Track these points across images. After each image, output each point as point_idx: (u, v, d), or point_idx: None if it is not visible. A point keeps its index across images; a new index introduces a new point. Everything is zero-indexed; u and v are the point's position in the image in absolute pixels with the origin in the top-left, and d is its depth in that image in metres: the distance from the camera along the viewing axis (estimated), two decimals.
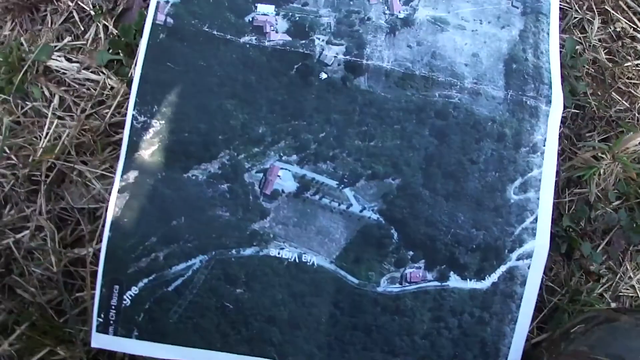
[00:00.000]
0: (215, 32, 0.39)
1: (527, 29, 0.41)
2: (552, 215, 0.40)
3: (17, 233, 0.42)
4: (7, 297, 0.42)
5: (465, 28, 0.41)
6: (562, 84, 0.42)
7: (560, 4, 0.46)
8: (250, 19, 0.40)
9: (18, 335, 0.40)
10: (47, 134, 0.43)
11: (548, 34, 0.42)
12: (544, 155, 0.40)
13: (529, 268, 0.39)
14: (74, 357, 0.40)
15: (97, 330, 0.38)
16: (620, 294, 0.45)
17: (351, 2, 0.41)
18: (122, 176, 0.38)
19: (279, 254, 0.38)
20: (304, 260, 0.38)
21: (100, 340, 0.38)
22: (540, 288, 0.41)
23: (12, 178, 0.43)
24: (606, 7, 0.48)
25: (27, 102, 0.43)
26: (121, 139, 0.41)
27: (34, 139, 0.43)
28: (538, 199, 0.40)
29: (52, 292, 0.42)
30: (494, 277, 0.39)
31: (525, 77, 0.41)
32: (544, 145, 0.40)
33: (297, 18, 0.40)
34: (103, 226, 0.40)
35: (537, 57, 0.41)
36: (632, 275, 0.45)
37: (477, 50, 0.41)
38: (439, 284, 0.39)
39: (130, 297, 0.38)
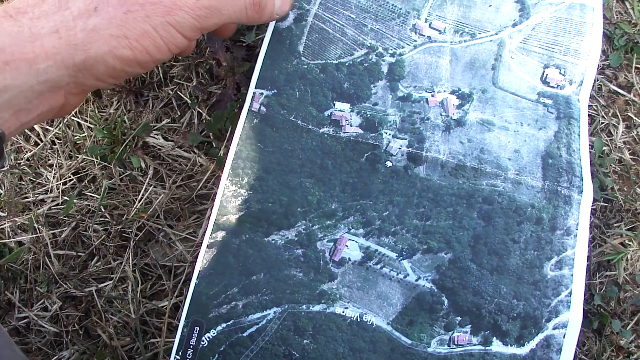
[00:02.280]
0: (299, 122, 0.55)
1: (561, 131, 0.57)
2: (585, 294, 0.51)
3: (101, 283, 0.57)
4: (82, 339, 0.56)
5: (509, 129, 0.56)
6: (592, 179, 0.58)
7: (589, 111, 0.61)
8: (329, 114, 0.55)
9: None
10: (141, 197, 0.58)
11: (579, 135, 0.56)
12: (576, 238, 0.52)
13: (564, 337, 0.50)
14: None
15: None
16: None
17: (413, 105, 0.56)
18: (211, 234, 0.51)
19: (343, 312, 0.51)
20: (364, 319, 0.51)
21: None
22: None
23: (104, 233, 0.58)
24: (629, 114, 0.62)
25: (126, 170, 0.60)
26: (206, 209, 0.57)
27: (128, 202, 0.59)
28: (572, 275, 0.52)
29: (125, 338, 0.56)
30: (532, 343, 0.50)
31: (560, 171, 0.55)
32: (577, 229, 0.53)
33: (369, 115, 0.55)
34: (183, 283, 0.56)
35: (569, 154, 0.57)
36: None
37: (519, 147, 0.56)
38: (483, 347, 0.50)
39: (208, 339, 0.50)
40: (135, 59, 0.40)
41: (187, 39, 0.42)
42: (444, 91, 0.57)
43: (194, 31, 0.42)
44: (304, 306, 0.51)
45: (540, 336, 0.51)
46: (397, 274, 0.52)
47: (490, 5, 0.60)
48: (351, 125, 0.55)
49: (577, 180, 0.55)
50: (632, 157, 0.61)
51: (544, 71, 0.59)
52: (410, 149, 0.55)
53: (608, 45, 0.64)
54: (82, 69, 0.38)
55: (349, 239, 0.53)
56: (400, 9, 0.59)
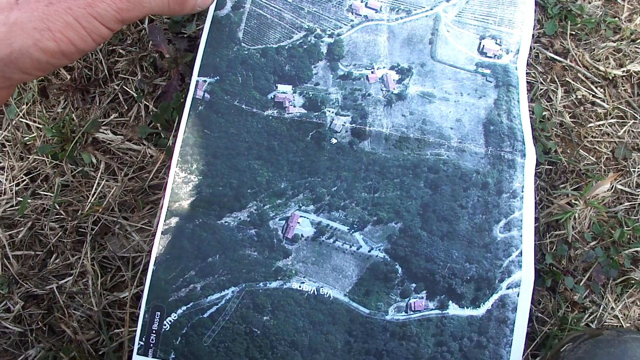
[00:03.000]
0: (244, 106, 0.56)
1: (501, 98, 0.58)
2: (536, 255, 0.53)
3: (61, 280, 0.57)
4: (47, 336, 0.56)
5: (449, 100, 0.57)
6: (534, 144, 0.59)
7: (528, 78, 0.63)
8: (272, 96, 0.56)
9: None
10: (94, 192, 0.58)
11: (518, 101, 0.58)
12: (522, 200, 0.54)
13: (518, 296, 0.52)
14: None
15: (138, 353, 0.50)
16: (605, 323, 0.57)
17: (354, 82, 0.57)
18: (165, 221, 0.52)
19: (300, 287, 0.52)
20: (321, 292, 0.52)
21: None
22: (531, 320, 0.54)
23: (60, 230, 0.58)
24: (567, 79, 0.64)
25: (77, 167, 0.60)
26: (159, 199, 0.58)
27: (82, 197, 0.59)
28: (521, 236, 0.53)
29: (89, 332, 0.56)
30: (488, 304, 0.52)
31: (502, 136, 0.56)
32: (522, 191, 0.55)
33: (311, 95, 0.56)
34: (142, 272, 0.56)
35: (510, 120, 0.58)
36: (614, 306, 0.57)
37: (460, 116, 0.57)
38: (440, 312, 0.52)
39: (169, 323, 0.51)
40: (60, 51, 0.40)
41: (109, 29, 0.43)
42: (384, 67, 0.58)
43: (115, 23, 0.43)
44: (261, 284, 0.52)
45: (495, 296, 0.53)
46: (350, 247, 0.53)
47: None
48: (294, 106, 0.56)
49: (520, 145, 0.56)
50: (572, 120, 0.63)
51: (480, 42, 0.60)
52: (354, 125, 0.56)
53: (542, 14, 0.67)
54: (8, 63, 0.39)
55: (301, 216, 0.54)
56: None
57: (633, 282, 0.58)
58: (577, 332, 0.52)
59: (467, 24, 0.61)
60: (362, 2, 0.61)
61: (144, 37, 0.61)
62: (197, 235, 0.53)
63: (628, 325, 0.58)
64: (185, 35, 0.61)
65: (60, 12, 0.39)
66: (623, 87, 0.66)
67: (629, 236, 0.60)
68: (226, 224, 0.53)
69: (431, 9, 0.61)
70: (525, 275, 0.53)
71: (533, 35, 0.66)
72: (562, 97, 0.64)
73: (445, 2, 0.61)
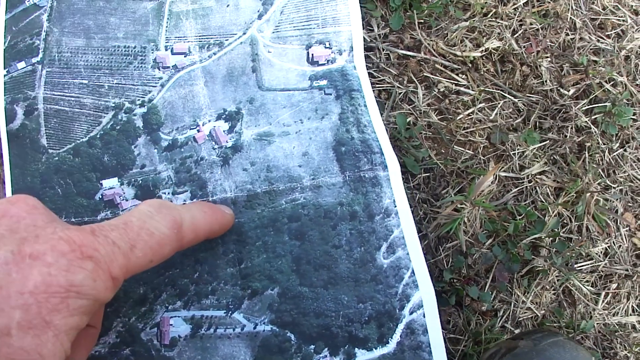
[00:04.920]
0: (73, 220, 0.52)
1: (345, 110, 0.52)
2: (432, 272, 0.49)
3: None
4: None
5: (290, 132, 0.52)
6: (406, 155, 0.53)
7: (383, 86, 0.57)
8: (100, 196, 0.51)
9: None
10: None
11: (365, 106, 0.53)
12: (398, 215, 0.50)
13: (424, 316, 0.48)
14: None
15: None
16: (520, 319, 0.54)
17: (182, 150, 0.51)
18: None
19: None
20: None
21: None
22: (445, 341, 0.51)
23: None
24: (425, 73, 0.58)
25: None
26: None
27: None
28: (407, 254, 0.49)
29: None
30: (396, 337, 0.48)
31: (356, 155, 0.51)
32: (395, 206, 0.50)
33: (140, 182, 0.51)
34: None
35: (361, 131, 0.52)
36: (524, 300, 0.54)
37: (306, 148, 0.51)
38: None
39: None
40: None
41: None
42: (209, 120, 0.53)
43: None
44: None
45: (401, 326, 0.49)
46: (234, 330, 0.49)
47: (228, 5, 0.55)
48: (127, 200, 0.51)
49: (378, 157, 0.51)
50: (440, 117, 0.57)
51: (308, 52, 0.54)
52: (194, 200, 0.50)
53: (385, 8, 0.59)
54: None
55: (171, 317, 0.50)
56: (134, 47, 0.54)
57: (538, 270, 0.55)
58: (493, 348, 0.50)
59: (288, 37, 0.54)
60: (167, 49, 0.54)
61: None
62: None
63: (543, 312, 0.54)
64: None
65: None
66: (485, 67, 0.59)
67: (523, 224, 0.55)
68: (97, 353, 0.49)
69: (244, 33, 0.54)
70: (425, 292, 0.50)
71: (379, 35, 0.58)
72: (423, 95, 0.58)
73: (258, 21, 0.54)
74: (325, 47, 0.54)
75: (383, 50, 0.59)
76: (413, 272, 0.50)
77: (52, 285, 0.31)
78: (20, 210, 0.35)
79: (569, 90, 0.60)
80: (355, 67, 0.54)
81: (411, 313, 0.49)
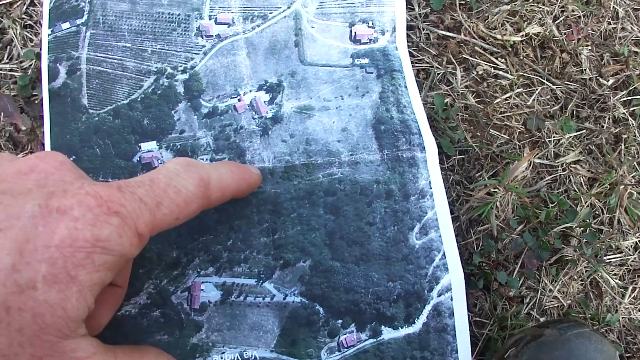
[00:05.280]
0: (110, 180, 0.52)
1: (386, 89, 0.53)
2: (462, 254, 0.50)
3: None
4: None
5: (330, 107, 0.52)
6: (442, 136, 0.53)
7: (422, 66, 0.57)
8: (138, 159, 0.51)
9: None
10: None
11: (406, 87, 0.53)
12: (433, 197, 0.51)
13: (451, 300, 0.49)
14: None
15: None
16: (546, 307, 0.54)
17: (222, 118, 0.52)
18: None
19: (221, 358, 0.48)
20: (245, 357, 0.48)
21: None
22: (470, 324, 0.51)
23: None
24: (464, 55, 0.58)
25: None
26: None
27: None
28: (440, 236, 0.50)
29: None
30: (423, 317, 0.49)
31: (395, 134, 0.52)
32: (431, 188, 0.51)
33: (179, 146, 0.51)
34: None
35: (401, 111, 0.53)
36: (552, 288, 0.55)
37: (345, 124, 0.52)
38: (374, 340, 0.49)
39: None
40: None
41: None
42: (250, 90, 0.53)
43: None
44: None
45: (428, 308, 0.50)
46: (263, 299, 0.50)
47: None
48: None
49: (416, 138, 0.51)
50: (477, 99, 0.57)
51: (351, 30, 0.54)
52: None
53: None
54: None
55: (202, 282, 0.50)
56: (179, 15, 0.54)
57: (567, 259, 0.55)
58: (518, 335, 0.50)
59: (332, 14, 0.55)
60: (210, 19, 0.54)
61: None
62: (99, 335, 0.49)
63: (569, 301, 0.55)
64: (37, 100, 0.55)
65: None
66: (525, 52, 0.60)
67: (555, 213, 0.55)
68: (127, 313, 0.49)
69: (288, 7, 0.55)
70: (455, 276, 0.50)
71: (420, 14, 0.58)
72: (462, 76, 0.58)
73: None
74: (368, 26, 0.55)
75: (423, 29, 0.59)
76: (444, 255, 0.50)
77: (78, 240, 0.31)
78: (49, 166, 0.35)
79: (608, 80, 0.60)
80: (397, 48, 0.54)
81: (439, 295, 0.50)
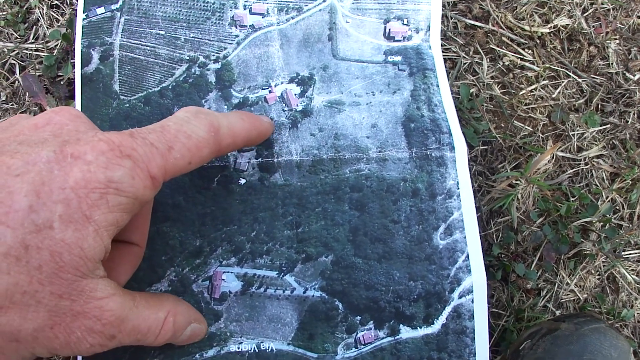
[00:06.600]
0: None
1: (417, 88, 0.53)
2: (483, 248, 0.50)
3: None
4: None
5: (360, 103, 0.52)
6: (465, 127, 0.53)
7: (449, 55, 0.57)
8: None
9: None
10: None
11: (438, 86, 0.52)
12: (460, 198, 0.50)
13: (472, 302, 0.49)
14: None
15: None
16: (562, 300, 0.54)
17: (252, 109, 0.52)
18: None
19: (238, 348, 0.48)
20: (262, 348, 0.49)
21: None
22: (487, 316, 0.52)
23: None
24: (491, 45, 0.58)
25: None
26: None
27: None
28: (465, 237, 0.49)
29: None
30: (442, 319, 0.49)
31: (425, 132, 0.51)
32: (458, 188, 0.50)
33: None
34: None
35: (432, 110, 0.53)
36: (569, 282, 0.54)
37: (375, 120, 0.52)
38: (392, 338, 0.48)
39: None
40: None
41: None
42: (282, 82, 0.53)
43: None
44: (197, 355, 0.49)
45: (448, 309, 0.50)
46: (283, 292, 0.50)
47: None
48: None
49: (446, 137, 0.51)
50: (502, 90, 0.57)
51: (385, 27, 0.54)
52: (260, 160, 0.51)
53: None
54: None
55: (224, 272, 0.50)
56: (213, 3, 0.54)
57: (585, 253, 0.55)
58: (534, 327, 0.50)
59: (367, 10, 0.54)
60: (245, 8, 0.54)
61: (19, 89, 0.56)
62: None
63: (585, 295, 0.55)
64: (62, 81, 0.56)
65: None
66: (552, 44, 0.59)
67: (576, 207, 0.55)
68: None
69: (324, 1, 0.55)
70: (477, 279, 0.49)
71: (448, 2, 0.58)
72: (488, 67, 0.58)
73: None
74: (403, 24, 0.54)
75: (451, 18, 0.59)
76: (468, 256, 0.50)
77: (91, 181, 0.33)
78: (64, 119, 0.37)
79: (634, 75, 0.59)
80: (431, 47, 0.54)
81: (460, 297, 0.49)
